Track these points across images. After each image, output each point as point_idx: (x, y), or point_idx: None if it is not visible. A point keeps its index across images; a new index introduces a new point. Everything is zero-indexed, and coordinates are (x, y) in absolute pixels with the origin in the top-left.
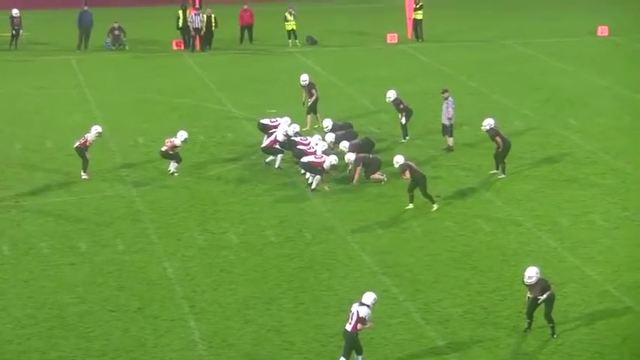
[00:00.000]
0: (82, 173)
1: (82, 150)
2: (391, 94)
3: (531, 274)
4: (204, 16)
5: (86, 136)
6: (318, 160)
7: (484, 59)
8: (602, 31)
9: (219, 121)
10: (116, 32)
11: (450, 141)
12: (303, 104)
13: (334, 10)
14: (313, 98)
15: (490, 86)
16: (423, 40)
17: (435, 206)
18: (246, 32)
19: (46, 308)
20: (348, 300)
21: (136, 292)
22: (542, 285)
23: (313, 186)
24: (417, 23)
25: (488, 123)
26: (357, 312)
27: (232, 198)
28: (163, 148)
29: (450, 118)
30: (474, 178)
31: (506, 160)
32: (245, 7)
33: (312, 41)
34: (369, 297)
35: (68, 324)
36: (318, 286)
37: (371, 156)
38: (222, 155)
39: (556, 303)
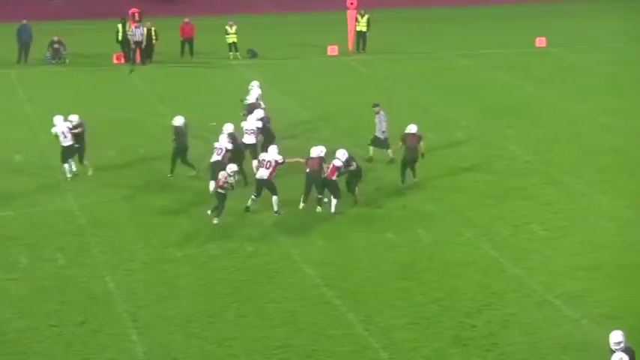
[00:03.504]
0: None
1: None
2: (258, 114)
3: (619, 338)
4: (145, 29)
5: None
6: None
7: (425, 71)
8: (541, 42)
9: (160, 135)
10: (56, 46)
11: (390, 152)
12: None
13: (275, 22)
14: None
15: (431, 98)
16: (365, 52)
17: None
18: (187, 45)
19: None
20: (290, 312)
21: (78, 307)
22: (627, 354)
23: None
24: (360, 35)
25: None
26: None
27: (174, 212)
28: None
29: (383, 132)
30: (415, 189)
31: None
32: (186, 20)
33: (252, 54)
34: (616, 336)
35: (9, 340)
36: (261, 298)
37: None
38: (163, 169)
39: (497, 313)
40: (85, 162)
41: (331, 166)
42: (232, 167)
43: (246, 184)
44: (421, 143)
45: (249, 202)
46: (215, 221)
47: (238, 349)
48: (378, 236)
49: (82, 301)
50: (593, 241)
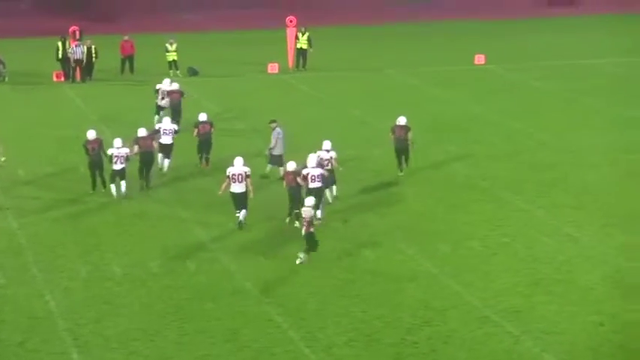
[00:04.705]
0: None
1: None
2: (202, 117)
3: None
4: (85, 47)
5: None
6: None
7: (366, 88)
8: (479, 59)
9: None
10: None
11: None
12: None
13: (216, 40)
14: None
15: (373, 115)
16: (305, 69)
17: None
18: (127, 63)
19: None
20: (232, 330)
21: (18, 326)
22: None
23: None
24: (300, 52)
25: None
26: None
27: (115, 229)
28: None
29: (272, 148)
30: (356, 204)
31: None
32: (126, 37)
33: (193, 72)
34: None
35: None
36: (203, 316)
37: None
38: (102, 187)
39: (438, 329)
40: None
41: (320, 174)
42: (310, 201)
43: (148, 187)
44: (410, 134)
45: (241, 218)
46: (299, 260)
47: None
48: (319, 252)
49: (22, 320)
50: (533, 257)
